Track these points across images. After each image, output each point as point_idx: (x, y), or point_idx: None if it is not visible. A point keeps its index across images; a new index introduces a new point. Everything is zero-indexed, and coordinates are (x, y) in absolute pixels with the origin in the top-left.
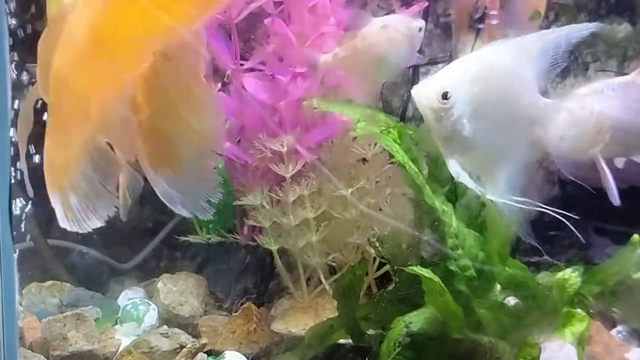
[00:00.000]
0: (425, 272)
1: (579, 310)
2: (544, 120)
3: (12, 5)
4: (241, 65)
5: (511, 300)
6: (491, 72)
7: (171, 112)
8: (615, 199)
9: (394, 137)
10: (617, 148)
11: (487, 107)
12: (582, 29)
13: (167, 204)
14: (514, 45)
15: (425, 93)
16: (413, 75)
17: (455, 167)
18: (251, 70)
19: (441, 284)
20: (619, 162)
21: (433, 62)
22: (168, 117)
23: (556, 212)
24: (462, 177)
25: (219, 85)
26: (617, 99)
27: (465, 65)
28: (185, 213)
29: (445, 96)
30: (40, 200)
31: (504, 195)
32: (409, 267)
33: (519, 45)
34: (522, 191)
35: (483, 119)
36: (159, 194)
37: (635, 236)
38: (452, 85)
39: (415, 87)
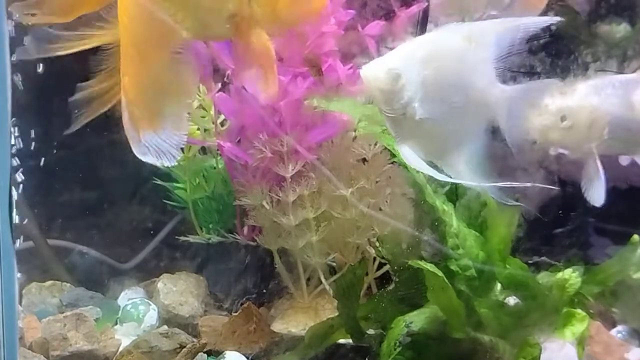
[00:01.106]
0: (429, 267)
1: (579, 310)
2: (500, 107)
3: None
4: None
5: (511, 300)
6: (444, 55)
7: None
8: (599, 199)
9: None
10: (616, 145)
11: (439, 90)
12: (542, 21)
13: (139, 156)
14: (470, 29)
15: (374, 73)
16: None
17: (407, 153)
18: None
19: (444, 279)
20: (624, 161)
21: None
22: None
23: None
24: (416, 163)
25: (219, 85)
26: (618, 97)
27: (417, 47)
28: (154, 162)
29: (395, 77)
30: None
31: (468, 177)
32: (414, 262)
33: (476, 29)
34: (484, 177)
35: (435, 102)
36: (134, 150)
37: (635, 236)
38: (403, 67)
39: (364, 66)
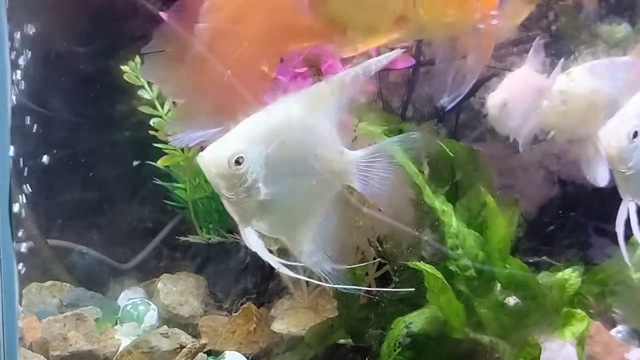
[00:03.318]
0: (428, 268)
1: (579, 310)
2: (349, 173)
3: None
4: None
5: (511, 300)
6: (284, 129)
7: None
8: (603, 179)
9: None
10: None
11: (282, 167)
12: (381, 59)
13: None
14: (307, 96)
15: (214, 160)
16: (413, 75)
17: (250, 238)
18: None
19: (444, 281)
20: None
21: (432, 62)
22: None
23: None
24: (259, 249)
25: None
26: (613, 79)
27: (256, 124)
28: None
29: (238, 161)
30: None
31: (309, 258)
32: (413, 263)
33: (312, 95)
34: (333, 249)
35: (279, 180)
36: None
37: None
38: (245, 148)
39: (200, 154)
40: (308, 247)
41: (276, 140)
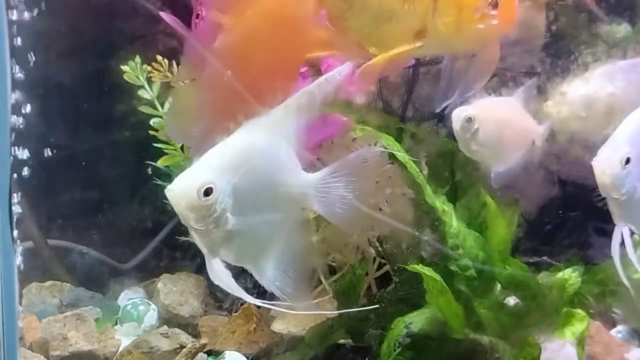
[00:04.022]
0: (427, 271)
1: (579, 310)
2: (309, 196)
3: None
4: None
5: (511, 300)
6: (249, 158)
7: None
8: None
9: (394, 137)
10: None
11: (249, 195)
12: (334, 75)
13: None
14: (267, 123)
15: (183, 192)
16: (413, 75)
17: (218, 270)
18: None
19: (443, 283)
20: None
21: (432, 62)
22: None
23: None
24: (227, 283)
25: None
26: (629, 81)
27: (223, 153)
28: None
29: (207, 192)
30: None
31: (272, 283)
32: (412, 266)
33: (271, 121)
34: (296, 274)
35: (246, 208)
36: None
37: (636, 236)
38: (214, 179)
39: (168, 187)
40: (271, 272)
41: (242, 168)
